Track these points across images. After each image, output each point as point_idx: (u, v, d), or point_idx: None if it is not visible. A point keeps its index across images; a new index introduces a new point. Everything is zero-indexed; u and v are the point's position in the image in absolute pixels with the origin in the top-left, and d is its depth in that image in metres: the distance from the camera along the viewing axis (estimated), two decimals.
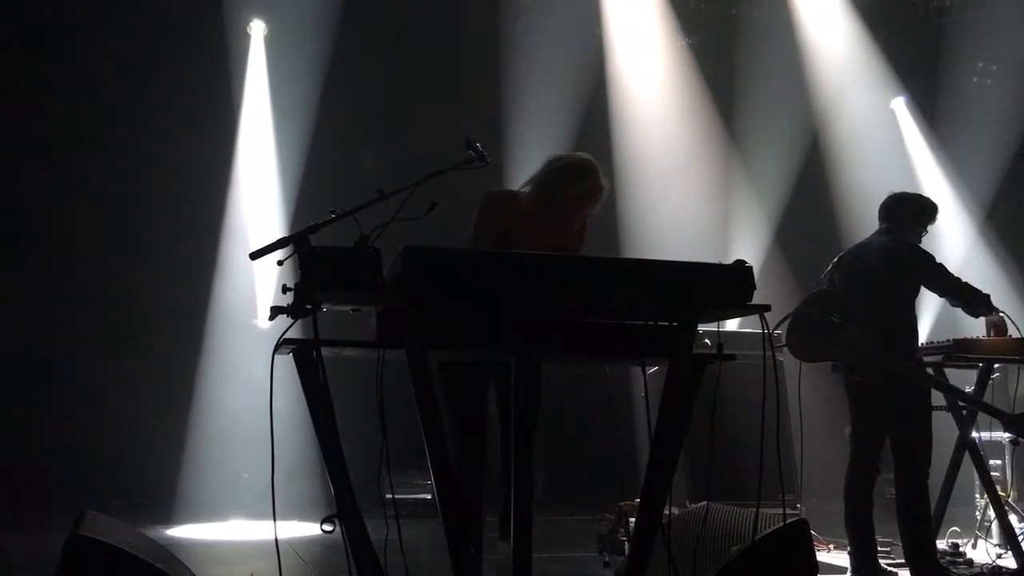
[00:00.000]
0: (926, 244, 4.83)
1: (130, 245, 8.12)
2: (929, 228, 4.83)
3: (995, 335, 4.74)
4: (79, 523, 2.74)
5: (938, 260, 4.67)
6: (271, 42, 8.64)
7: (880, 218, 4.83)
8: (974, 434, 5.07)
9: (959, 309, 4.76)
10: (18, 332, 7.75)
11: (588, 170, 3.64)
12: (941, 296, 4.73)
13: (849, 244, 5.15)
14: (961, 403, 5.00)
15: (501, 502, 3.52)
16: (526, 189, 3.72)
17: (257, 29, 8.60)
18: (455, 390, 3.58)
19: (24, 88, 7.91)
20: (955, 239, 9.39)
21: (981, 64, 9.91)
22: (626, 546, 4.84)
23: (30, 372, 7.73)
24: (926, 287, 4.68)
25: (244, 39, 8.58)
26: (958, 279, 4.63)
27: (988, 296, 4.66)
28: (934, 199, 4.94)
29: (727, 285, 2.95)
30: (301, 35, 8.34)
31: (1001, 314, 4.71)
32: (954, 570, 4.83)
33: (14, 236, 7.87)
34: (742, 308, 3.01)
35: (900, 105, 9.98)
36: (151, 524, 6.44)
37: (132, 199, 8.11)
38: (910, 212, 4.78)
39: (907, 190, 5.01)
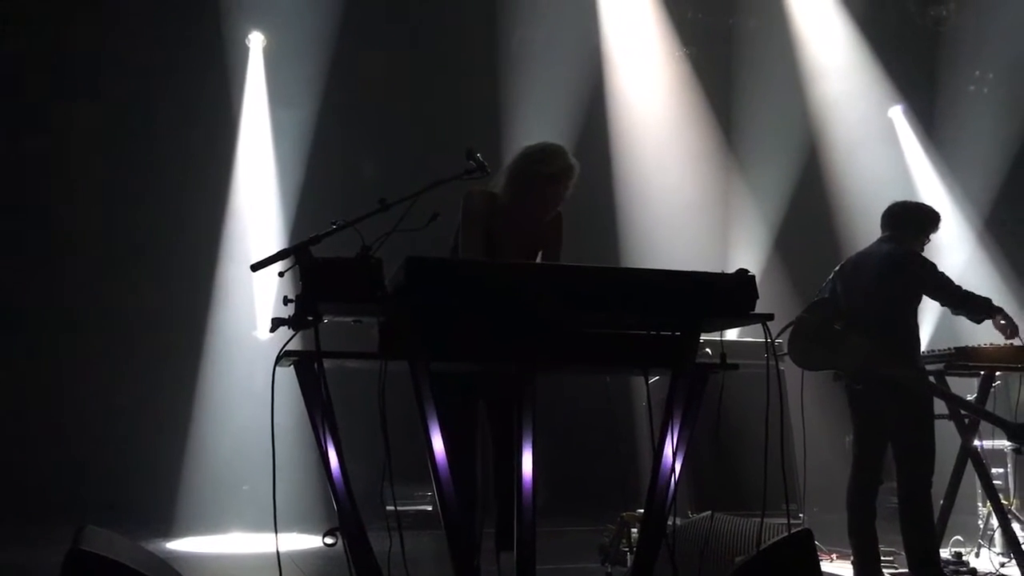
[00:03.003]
0: (927, 253, 4.83)
1: (129, 257, 8.09)
2: (932, 237, 4.84)
3: (1009, 336, 4.70)
4: (79, 537, 2.73)
5: (939, 269, 4.67)
6: (270, 54, 8.65)
7: (883, 226, 4.83)
8: (976, 442, 5.05)
9: (961, 317, 4.76)
10: (17, 347, 7.73)
11: (556, 150, 3.78)
12: (944, 305, 4.72)
13: (848, 252, 5.15)
14: (963, 411, 4.99)
15: (496, 514, 3.52)
16: (501, 180, 3.77)
17: (256, 41, 8.61)
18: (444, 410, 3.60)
19: (20, 105, 7.90)
20: (954, 247, 9.38)
21: (978, 72, 9.92)
22: (628, 557, 4.82)
23: (29, 386, 7.70)
24: (929, 296, 4.67)
25: (243, 51, 8.59)
26: (960, 287, 4.63)
27: (989, 300, 4.66)
28: (936, 208, 4.94)
29: (730, 294, 2.96)
30: (300, 47, 8.34)
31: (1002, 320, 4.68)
32: None
33: (16, 250, 7.86)
34: (745, 317, 3.01)
35: (898, 114, 9.99)
36: (151, 537, 6.42)
37: (131, 211, 8.10)
38: (913, 221, 4.78)
39: (907, 198, 5.02)
